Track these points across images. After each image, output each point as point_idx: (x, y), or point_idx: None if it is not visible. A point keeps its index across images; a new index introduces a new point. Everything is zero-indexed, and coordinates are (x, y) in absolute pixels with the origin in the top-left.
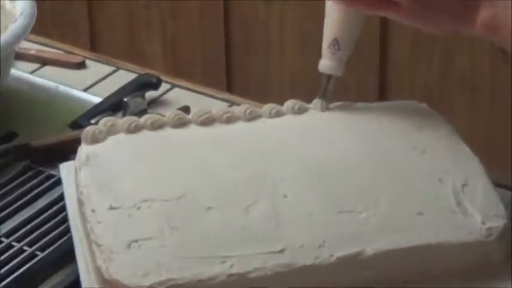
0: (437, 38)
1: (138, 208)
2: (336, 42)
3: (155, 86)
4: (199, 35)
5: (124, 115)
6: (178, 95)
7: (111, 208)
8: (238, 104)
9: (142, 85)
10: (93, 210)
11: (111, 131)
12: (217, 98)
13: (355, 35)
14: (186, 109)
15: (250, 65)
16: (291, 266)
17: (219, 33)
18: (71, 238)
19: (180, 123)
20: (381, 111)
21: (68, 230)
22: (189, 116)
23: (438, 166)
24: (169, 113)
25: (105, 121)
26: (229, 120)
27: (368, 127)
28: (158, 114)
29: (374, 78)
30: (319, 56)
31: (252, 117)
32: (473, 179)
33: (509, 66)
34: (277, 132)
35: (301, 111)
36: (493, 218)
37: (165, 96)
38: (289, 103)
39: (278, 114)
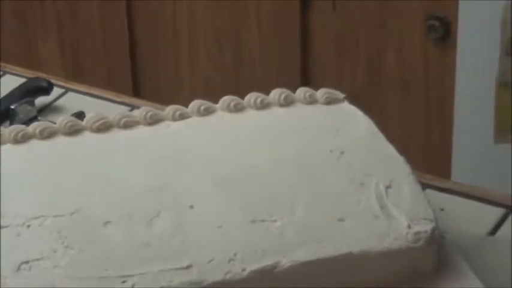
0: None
1: (28, 226)
2: None
3: (46, 90)
4: (100, 34)
5: (11, 124)
6: (72, 100)
7: (1, 227)
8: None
9: (31, 90)
10: None
11: None
12: (117, 102)
13: None
14: (80, 115)
15: (158, 65)
16: (199, 283)
17: (122, 32)
18: None
19: (73, 131)
20: (296, 112)
21: None
22: (83, 123)
23: (358, 168)
24: (60, 120)
25: None
26: (128, 125)
27: (280, 130)
28: (49, 121)
29: (296, 82)
30: (234, 54)
31: (154, 120)
32: (397, 180)
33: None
34: (181, 137)
35: (207, 112)
36: (420, 221)
37: (58, 102)
38: (194, 104)
39: (182, 116)
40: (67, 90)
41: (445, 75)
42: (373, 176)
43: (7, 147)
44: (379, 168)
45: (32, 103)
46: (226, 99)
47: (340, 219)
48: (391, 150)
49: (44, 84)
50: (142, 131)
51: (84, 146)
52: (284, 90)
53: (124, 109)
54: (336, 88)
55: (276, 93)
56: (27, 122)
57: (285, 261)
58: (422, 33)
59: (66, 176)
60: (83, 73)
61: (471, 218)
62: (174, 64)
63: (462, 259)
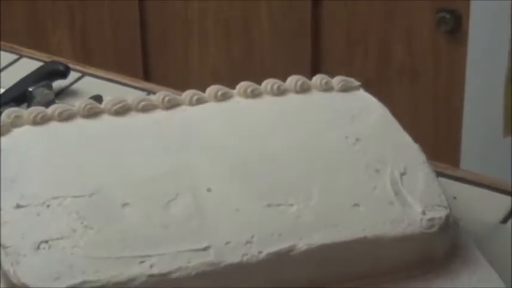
0: (372, 27)
1: (48, 206)
2: None
3: (63, 74)
4: (110, 22)
5: (29, 107)
6: (89, 84)
7: (18, 207)
8: (155, 93)
9: (48, 74)
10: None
11: (15, 123)
12: (133, 87)
13: None
14: (98, 98)
15: (168, 54)
16: (216, 265)
17: (133, 20)
18: None
19: (92, 113)
20: (312, 99)
21: None
22: (102, 106)
23: (374, 155)
24: (79, 102)
25: (8, 112)
26: (146, 108)
27: (296, 116)
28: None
29: (306, 75)
30: (243, 45)
31: (171, 105)
32: (412, 167)
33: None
34: (199, 122)
35: (224, 98)
36: (434, 208)
37: (75, 86)
38: (211, 89)
39: (200, 101)
40: (83, 74)
41: (455, 68)
42: (388, 163)
43: (26, 129)
44: (394, 156)
45: (49, 86)
46: (243, 85)
47: (355, 205)
48: (406, 138)
49: (61, 68)
50: (159, 114)
51: (103, 129)
52: (300, 77)
53: (140, 94)
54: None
55: (292, 80)
56: (45, 105)
57: (301, 245)
58: (433, 25)
59: (85, 158)
60: (92, 60)
61: (483, 206)
62: (183, 53)
63: (475, 246)
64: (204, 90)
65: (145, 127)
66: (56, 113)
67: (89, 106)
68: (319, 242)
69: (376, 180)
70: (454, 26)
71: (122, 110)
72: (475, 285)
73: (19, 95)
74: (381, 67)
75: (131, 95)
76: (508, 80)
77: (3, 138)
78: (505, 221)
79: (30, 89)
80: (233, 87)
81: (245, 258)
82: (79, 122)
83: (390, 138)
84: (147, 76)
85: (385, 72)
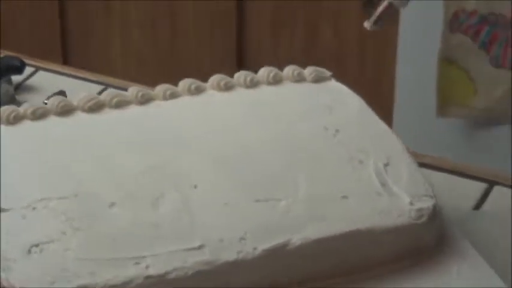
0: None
1: (34, 208)
2: None
3: (19, 69)
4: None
5: None
6: (44, 78)
7: (2, 210)
8: (114, 86)
9: (3, 69)
10: None
11: None
12: (89, 80)
13: None
14: (62, 94)
15: (89, 38)
16: (212, 263)
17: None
18: None
19: (65, 111)
20: (285, 90)
21: None
22: (74, 103)
23: (355, 146)
24: (51, 100)
25: None
26: (120, 104)
27: (272, 108)
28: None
29: (231, 58)
30: (169, 33)
31: (145, 100)
32: (395, 157)
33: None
34: (175, 116)
35: (198, 91)
36: (421, 198)
37: (30, 81)
38: (184, 83)
39: (173, 95)
40: (37, 68)
41: (383, 50)
42: (371, 153)
43: (1, 129)
44: (375, 146)
45: (10, 82)
46: (215, 78)
47: (344, 197)
48: (384, 127)
49: (17, 63)
50: (134, 110)
51: (79, 126)
52: (272, 68)
53: (96, 87)
54: (271, 62)
55: (264, 72)
56: (6, 102)
57: (296, 239)
58: (360, 8)
59: (64, 157)
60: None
61: (456, 193)
62: (105, 40)
63: (461, 235)
64: (128, 76)
65: (122, 123)
66: (29, 112)
67: (62, 104)
68: (314, 236)
69: (360, 171)
70: None
71: (96, 107)
72: (466, 273)
73: None
74: (308, 49)
75: (91, 89)
76: (441, 60)
77: None
78: (477, 207)
79: None
80: (158, 72)
81: (241, 256)
82: (53, 120)
83: (369, 128)
84: (66, 62)
85: (312, 55)
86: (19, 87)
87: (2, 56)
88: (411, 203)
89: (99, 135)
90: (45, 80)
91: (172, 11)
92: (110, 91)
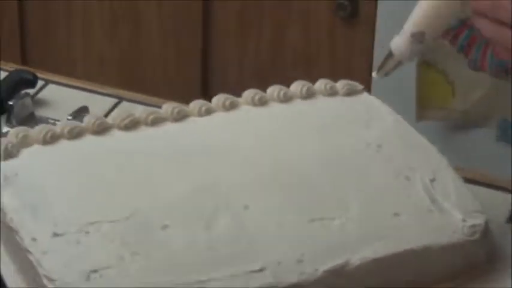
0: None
1: (87, 233)
2: (422, 36)
3: (32, 83)
4: None
5: (8, 120)
6: (55, 92)
7: (55, 235)
8: (129, 100)
9: (17, 83)
10: (33, 239)
11: (23, 143)
12: (103, 94)
13: (439, 34)
14: (84, 110)
15: (50, 40)
16: (275, 286)
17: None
18: None
19: (101, 129)
20: (319, 104)
21: None
22: (110, 121)
23: (400, 162)
24: (86, 118)
25: (16, 132)
26: (156, 122)
27: (311, 122)
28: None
29: (196, 59)
30: (132, 33)
31: (180, 116)
32: (440, 172)
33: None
34: (214, 133)
35: (232, 106)
36: (473, 214)
37: (42, 95)
38: (218, 98)
39: (208, 111)
40: (47, 82)
41: (353, 53)
42: (416, 169)
43: (36, 149)
44: (419, 161)
45: (28, 98)
46: (249, 93)
47: (396, 214)
48: (423, 141)
49: (29, 76)
50: (170, 127)
51: (118, 145)
52: (305, 82)
53: (111, 100)
54: (239, 64)
55: (297, 86)
56: (25, 118)
57: (354, 259)
58: (330, 11)
59: (109, 178)
60: None
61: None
62: (66, 42)
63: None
64: (91, 78)
65: (162, 141)
66: (66, 131)
67: (98, 122)
68: (372, 256)
69: (409, 188)
70: (352, 11)
71: (131, 125)
72: None
73: None
74: (275, 51)
75: (103, 102)
76: (419, 64)
77: (14, 161)
78: (510, 219)
79: (11, 103)
80: (120, 74)
81: (302, 277)
82: (89, 139)
83: (410, 142)
84: (25, 64)
85: (280, 57)
86: (32, 101)
87: (12, 70)
88: (464, 220)
89: (141, 154)
90: (56, 94)
91: (135, 11)
92: (145, 108)
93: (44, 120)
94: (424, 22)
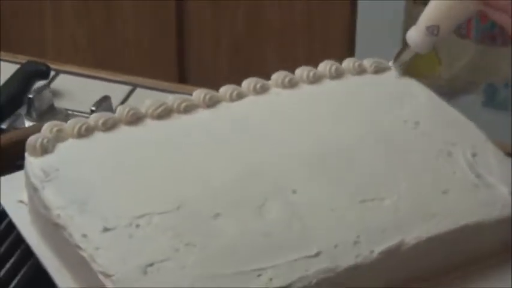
0: None
1: (137, 226)
2: (437, 29)
3: (45, 74)
4: None
5: (28, 113)
6: (68, 82)
7: (106, 230)
8: (144, 87)
9: (30, 75)
10: (84, 235)
11: (58, 138)
12: (119, 82)
13: (453, 28)
14: (106, 100)
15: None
16: (334, 270)
17: None
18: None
19: (134, 119)
20: (348, 83)
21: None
22: (143, 110)
23: (439, 138)
24: (119, 109)
25: (49, 126)
26: (188, 109)
27: (346, 103)
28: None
29: (171, 38)
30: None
31: (212, 102)
32: (480, 147)
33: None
34: (250, 117)
35: (263, 90)
36: None
37: (54, 85)
38: (248, 82)
39: (240, 96)
40: (58, 72)
41: (337, 25)
42: (457, 144)
43: (72, 143)
44: (458, 136)
45: (47, 90)
46: (279, 75)
47: (444, 192)
48: (459, 116)
49: (42, 67)
50: (204, 114)
51: (155, 135)
52: (333, 62)
53: (124, 88)
54: (214, 40)
55: (326, 65)
56: (45, 110)
57: (409, 239)
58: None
59: (152, 169)
60: None
61: None
62: (38, 23)
63: None
64: (62, 60)
65: (199, 128)
66: (100, 123)
67: (131, 112)
68: (426, 235)
69: (453, 164)
70: None
71: (164, 113)
72: None
73: (14, 101)
74: (251, 27)
75: (118, 90)
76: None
77: (51, 156)
78: None
79: (31, 96)
80: (93, 56)
81: (359, 260)
82: (124, 129)
83: (446, 118)
84: None
85: (256, 32)
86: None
87: (24, 61)
88: (511, 193)
89: (180, 142)
90: (69, 84)
91: None
92: (176, 96)
93: (64, 112)
94: (439, 16)
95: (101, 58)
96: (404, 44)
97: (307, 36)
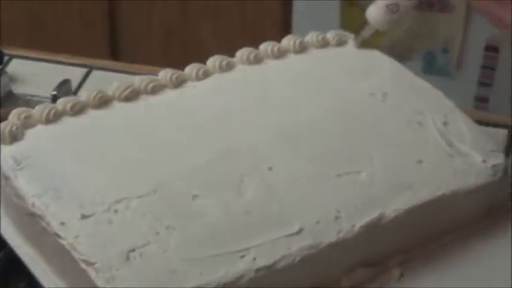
0: None
1: (115, 211)
2: (397, 7)
3: (0, 60)
4: None
5: None
6: (22, 67)
7: (84, 217)
8: (100, 68)
9: None
10: (62, 223)
11: (26, 124)
12: (74, 65)
13: (413, 6)
14: (66, 82)
15: None
16: (317, 247)
17: None
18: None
19: (102, 102)
20: (313, 57)
21: None
22: (109, 92)
23: (409, 108)
24: (85, 93)
25: (17, 113)
26: (155, 90)
27: (312, 77)
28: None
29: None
30: None
31: (179, 82)
32: (450, 115)
33: None
34: (219, 96)
35: (228, 67)
36: (490, 154)
37: (9, 71)
38: (213, 60)
39: (206, 74)
40: (11, 56)
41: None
42: (426, 113)
43: (40, 129)
44: (427, 105)
45: (6, 75)
46: (243, 52)
47: (419, 162)
48: (427, 85)
49: None
50: (172, 94)
51: (124, 117)
52: (296, 36)
53: (81, 70)
54: (149, 24)
55: (290, 40)
56: (4, 97)
57: (389, 212)
58: None
59: (125, 152)
60: None
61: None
62: None
63: None
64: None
65: (168, 109)
66: (68, 108)
67: (99, 95)
68: (405, 207)
69: (424, 133)
70: None
71: (132, 95)
72: None
73: None
74: (184, 9)
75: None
76: (342, 3)
77: (21, 143)
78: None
79: None
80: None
81: (341, 235)
82: (93, 113)
83: (414, 88)
84: None
85: (188, 14)
86: None
87: None
88: (484, 161)
89: (152, 124)
90: (24, 69)
91: None
92: (142, 77)
93: (24, 98)
94: None
95: (35, 42)
96: (365, 21)
97: (240, 10)
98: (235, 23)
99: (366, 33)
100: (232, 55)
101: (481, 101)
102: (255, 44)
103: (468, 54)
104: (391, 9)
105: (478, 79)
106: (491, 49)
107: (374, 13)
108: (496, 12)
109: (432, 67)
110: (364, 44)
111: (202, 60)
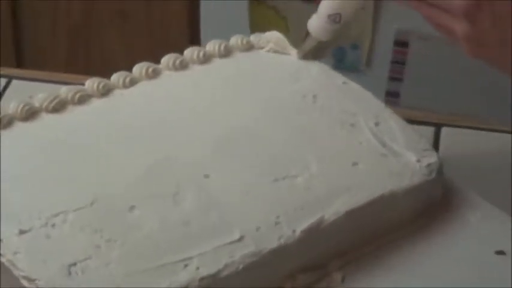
0: None
1: (53, 225)
2: (339, 17)
3: None
4: None
5: None
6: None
7: (22, 232)
8: (20, 78)
9: None
10: None
11: None
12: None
13: (354, 15)
14: None
15: None
16: (259, 253)
17: None
18: None
19: (29, 115)
20: (238, 61)
21: None
22: (37, 104)
23: (339, 110)
24: (12, 105)
25: None
26: (83, 99)
27: (242, 81)
28: None
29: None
30: None
31: (106, 90)
32: (381, 115)
33: None
34: (149, 103)
35: (155, 74)
36: (424, 153)
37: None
38: (139, 67)
39: (132, 82)
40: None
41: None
42: (358, 114)
43: None
44: (357, 106)
45: None
46: (169, 58)
47: (354, 163)
48: (355, 86)
49: None
50: (100, 104)
51: (55, 129)
52: (221, 40)
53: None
54: (52, 27)
55: (214, 45)
56: None
57: (328, 215)
58: None
59: (58, 165)
60: None
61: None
62: None
63: (464, 186)
64: None
65: (99, 120)
66: None
67: (26, 107)
68: (344, 209)
69: (357, 135)
70: None
71: (59, 106)
72: (482, 221)
73: None
74: (88, 11)
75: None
76: (250, 2)
77: None
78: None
79: None
80: None
81: (282, 241)
82: (20, 126)
83: (342, 89)
84: None
85: (94, 16)
86: None
87: None
88: (418, 160)
89: (85, 135)
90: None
91: None
92: (68, 87)
93: None
94: (341, 5)
95: None
96: (307, 33)
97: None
98: (142, 22)
99: (308, 44)
100: (140, 56)
101: (392, 96)
102: (163, 45)
103: (378, 49)
104: (333, 19)
105: (388, 74)
106: (401, 44)
107: (316, 24)
108: (446, 25)
109: (342, 63)
110: (307, 56)
111: (109, 62)
